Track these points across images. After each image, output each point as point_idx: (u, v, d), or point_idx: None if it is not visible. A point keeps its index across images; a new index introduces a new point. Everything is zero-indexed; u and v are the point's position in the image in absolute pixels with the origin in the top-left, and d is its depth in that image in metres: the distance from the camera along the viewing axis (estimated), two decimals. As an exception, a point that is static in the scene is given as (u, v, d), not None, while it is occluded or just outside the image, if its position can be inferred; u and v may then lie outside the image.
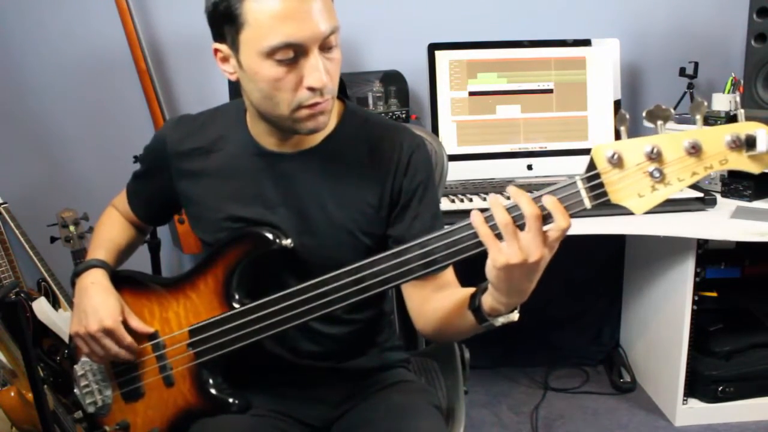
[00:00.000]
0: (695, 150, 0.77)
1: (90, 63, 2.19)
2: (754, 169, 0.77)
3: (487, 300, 0.91)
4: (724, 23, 2.36)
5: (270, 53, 0.93)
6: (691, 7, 2.36)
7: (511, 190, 0.83)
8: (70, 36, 2.16)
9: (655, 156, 0.79)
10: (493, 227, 0.83)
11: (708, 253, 1.94)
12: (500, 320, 0.92)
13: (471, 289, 0.96)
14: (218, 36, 0.99)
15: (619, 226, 1.83)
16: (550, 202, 0.81)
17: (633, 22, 2.36)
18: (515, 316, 0.91)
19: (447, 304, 1.02)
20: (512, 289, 0.87)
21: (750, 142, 0.75)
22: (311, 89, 0.95)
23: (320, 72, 0.94)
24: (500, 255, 0.82)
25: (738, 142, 0.76)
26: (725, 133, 0.77)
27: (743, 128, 0.76)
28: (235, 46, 0.97)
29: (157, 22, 2.19)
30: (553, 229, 0.81)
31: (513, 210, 0.83)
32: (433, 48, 2.11)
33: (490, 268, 0.85)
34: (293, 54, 0.93)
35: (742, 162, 0.77)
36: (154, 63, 2.15)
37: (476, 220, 0.85)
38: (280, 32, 0.91)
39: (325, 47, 0.95)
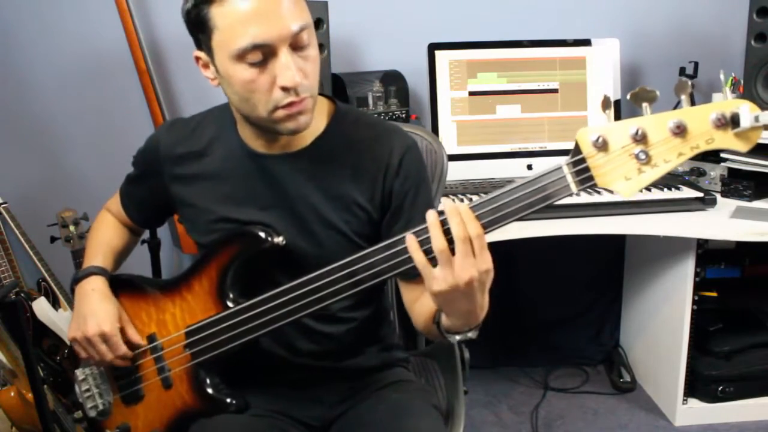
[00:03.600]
0: (680, 130, 0.77)
1: (90, 63, 2.19)
2: (741, 147, 0.76)
3: (443, 318, 0.94)
4: (724, 23, 2.36)
5: (240, 56, 0.93)
6: (691, 7, 2.36)
7: (446, 205, 0.85)
8: (70, 36, 2.16)
9: (640, 138, 0.78)
10: (428, 250, 0.86)
11: (708, 253, 1.93)
12: (457, 338, 0.95)
13: None
14: (197, 43, 1.00)
15: (619, 226, 1.83)
16: (463, 211, 0.84)
17: (633, 22, 2.36)
18: (472, 335, 0.94)
19: (426, 310, 1.04)
20: (456, 312, 0.91)
21: (735, 120, 0.75)
22: (285, 89, 0.95)
23: (292, 71, 0.93)
24: (433, 282, 0.86)
25: (723, 120, 0.75)
26: (710, 111, 0.76)
27: (728, 106, 0.75)
28: (210, 52, 0.98)
29: (157, 22, 2.19)
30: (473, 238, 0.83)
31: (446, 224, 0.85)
32: (433, 48, 2.11)
33: (428, 292, 0.88)
34: (262, 55, 0.93)
35: (728, 140, 0.76)
36: (154, 63, 2.14)
37: (411, 245, 0.87)
38: (247, 34, 0.91)
39: (297, 45, 0.94)
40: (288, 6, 0.92)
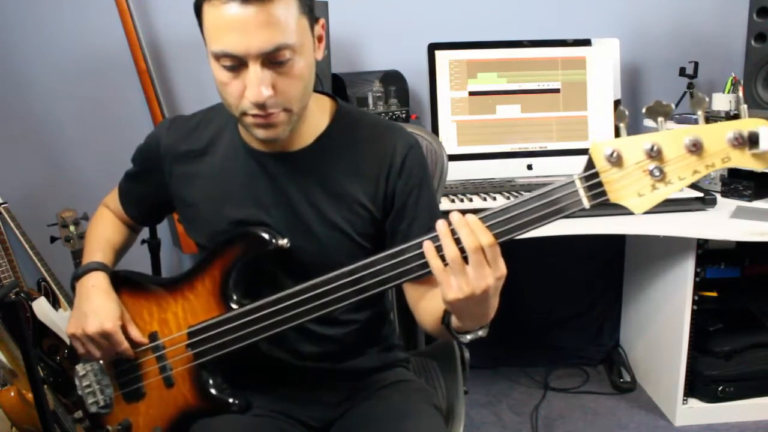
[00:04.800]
0: (696, 148, 0.75)
1: (90, 63, 2.19)
2: (758, 166, 0.75)
3: (453, 320, 0.94)
4: (724, 23, 2.36)
5: (215, 57, 0.94)
6: (691, 7, 2.36)
7: (453, 217, 0.85)
8: (70, 36, 2.16)
9: (655, 154, 0.77)
10: (443, 257, 0.86)
11: (708, 253, 1.94)
12: (468, 337, 0.95)
13: None
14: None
15: (619, 226, 1.83)
16: (473, 222, 0.84)
17: (633, 22, 2.36)
18: (483, 333, 0.94)
19: (433, 309, 1.03)
20: (469, 315, 0.91)
21: (753, 140, 0.73)
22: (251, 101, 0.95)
23: (257, 87, 0.92)
24: (449, 290, 0.86)
25: (741, 139, 0.73)
26: (727, 130, 0.74)
27: (746, 125, 0.74)
28: (204, 40, 0.98)
29: (157, 22, 2.19)
30: (485, 247, 0.84)
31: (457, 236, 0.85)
32: (433, 48, 2.11)
33: (443, 300, 0.88)
34: (232, 63, 0.93)
35: (745, 160, 0.74)
36: (154, 63, 2.14)
37: (428, 252, 0.88)
38: (220, 40, 0.91)
39: (274, 61, 0.93)
40: (268, 24, 0.90)
